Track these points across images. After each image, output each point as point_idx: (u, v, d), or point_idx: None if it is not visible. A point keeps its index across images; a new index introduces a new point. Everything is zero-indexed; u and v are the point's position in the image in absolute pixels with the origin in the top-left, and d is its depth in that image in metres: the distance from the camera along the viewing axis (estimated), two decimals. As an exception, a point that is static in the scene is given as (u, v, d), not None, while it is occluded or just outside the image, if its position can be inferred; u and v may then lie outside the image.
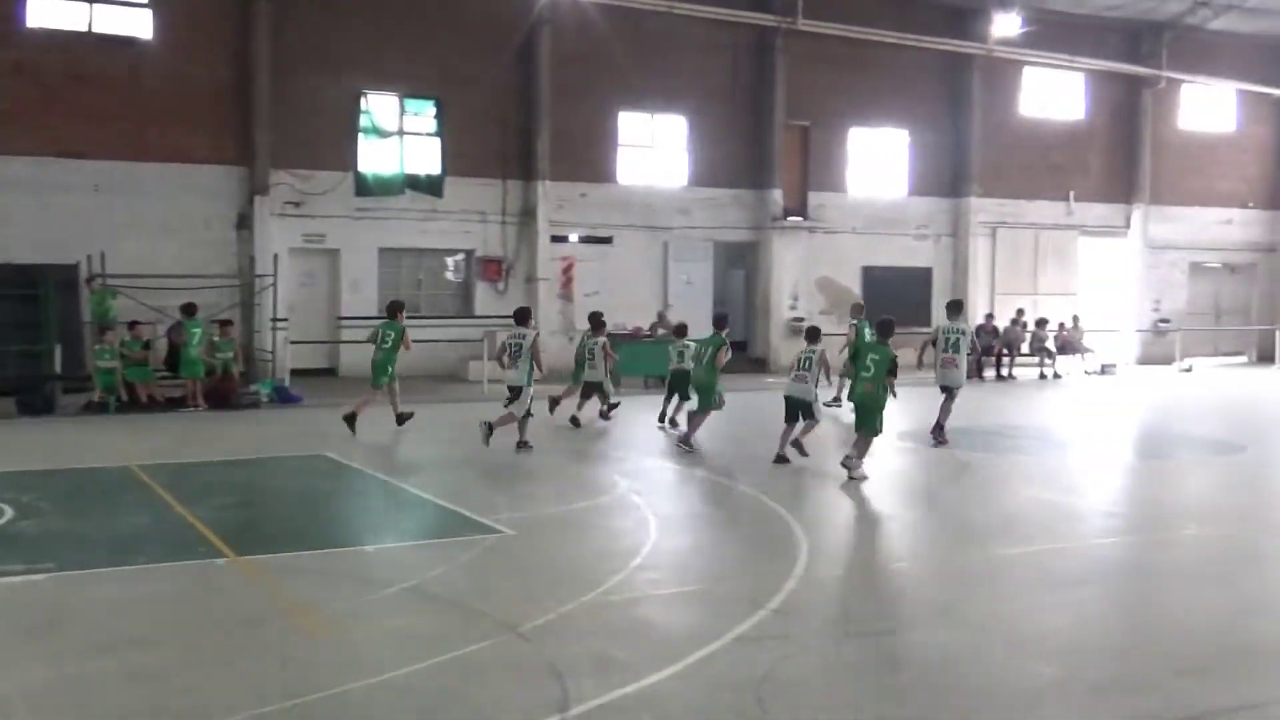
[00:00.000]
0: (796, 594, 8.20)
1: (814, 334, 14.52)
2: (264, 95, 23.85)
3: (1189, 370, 30.03)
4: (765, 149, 28.63)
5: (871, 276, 30.08)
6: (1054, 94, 32.32)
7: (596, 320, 18.43)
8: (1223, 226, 34.82)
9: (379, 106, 25.48)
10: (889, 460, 14.85)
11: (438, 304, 26.64)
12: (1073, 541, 10.18)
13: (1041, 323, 28.76)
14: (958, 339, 15.75)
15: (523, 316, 15.56)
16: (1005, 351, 27.86)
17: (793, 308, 28.89)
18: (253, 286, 23.56)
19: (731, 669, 6.61)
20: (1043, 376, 27.64)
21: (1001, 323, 28.58)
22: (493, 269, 26.68)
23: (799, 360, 14.21)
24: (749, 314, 29.90)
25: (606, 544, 9.86)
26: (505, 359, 14.94)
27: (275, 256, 23.48)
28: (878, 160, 30.33)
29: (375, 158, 25.42)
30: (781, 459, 13.81)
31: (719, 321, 15.90)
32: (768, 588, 8.24)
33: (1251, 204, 35.11)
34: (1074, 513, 11.64)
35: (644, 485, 12.63)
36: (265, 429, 17.46)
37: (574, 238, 27.24)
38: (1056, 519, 11.26)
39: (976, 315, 29.27)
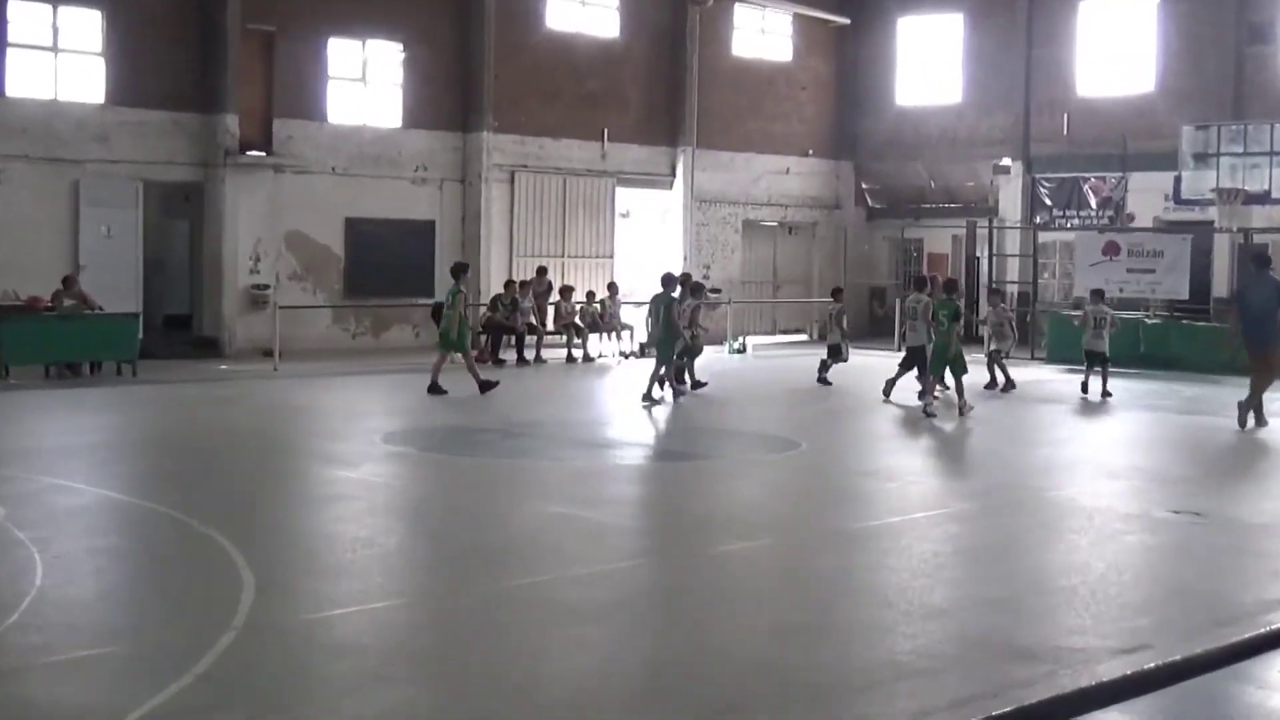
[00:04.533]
0: (234, 652, 8.07)
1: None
2: None
3: (742, 351, 32.23)
4: (215, 60, 27.92)
5: (358, 231, 30.11)
6: (586, 8, 33.76)
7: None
8: (779, 177, 37.82)
9: None
10: (375, 468, 14.95)
11: None
12: (593, 566, 10.60)
13: (567, 291, 29.88)
14: (914, 308, 21.98)
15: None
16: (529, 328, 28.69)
17: (254, 271, 28.43)
18: None
19: (135, 759, 6.40)
20: (571, 359, 28.72)
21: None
22: None
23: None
24: (194, 280, 29.20)
25: (-29, 598, 9.27)
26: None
27: None
28: (365, 81, 30.49)
29: None
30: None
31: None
32: (196, 645, 8.06)
33: (811, 151, 38.38)
34: (595, 530, 12.15)
35: (31, 513, 11.97)
36: None
37: (-60, 171, 25.44)
38: (574, 538, 11.71)
39: (493, 282, 30.18)
